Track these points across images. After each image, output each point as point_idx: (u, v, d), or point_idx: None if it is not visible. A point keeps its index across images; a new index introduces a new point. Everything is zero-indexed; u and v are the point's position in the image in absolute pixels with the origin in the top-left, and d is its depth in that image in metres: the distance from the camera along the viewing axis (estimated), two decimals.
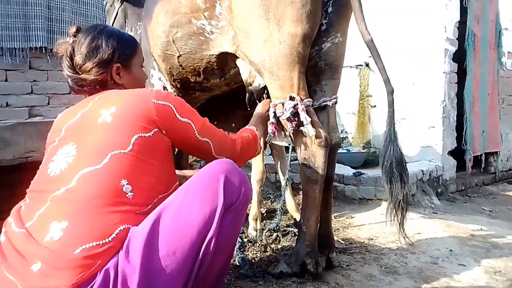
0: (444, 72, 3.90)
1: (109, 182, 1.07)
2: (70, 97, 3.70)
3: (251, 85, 1.93)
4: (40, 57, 3.65)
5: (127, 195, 1.08)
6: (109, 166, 1.08)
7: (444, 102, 3.91)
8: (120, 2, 2.52)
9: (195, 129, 1.26)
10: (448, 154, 4.01)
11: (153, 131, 1.16)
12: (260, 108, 1.78)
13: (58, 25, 3.61)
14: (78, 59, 1.28)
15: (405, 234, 1.68)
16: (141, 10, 2.50)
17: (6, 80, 3.50)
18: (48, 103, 3.69)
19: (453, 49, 3.98)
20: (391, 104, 1.68)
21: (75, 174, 1.07)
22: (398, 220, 1.65)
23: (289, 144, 2.39)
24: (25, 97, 3.59)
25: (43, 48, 3.61)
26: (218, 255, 1.12)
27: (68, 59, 1.29)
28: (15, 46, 3.48)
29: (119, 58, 1.31)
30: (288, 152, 2.26)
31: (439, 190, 3.82)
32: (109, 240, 1.01)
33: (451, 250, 2.23)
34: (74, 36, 1.31)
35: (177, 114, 1.21)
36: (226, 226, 1.11)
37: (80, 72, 1.28)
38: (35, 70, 3.64)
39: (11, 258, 1.02)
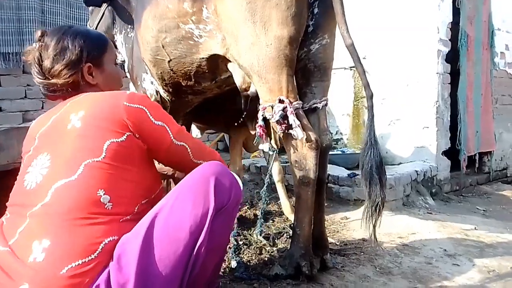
0: (437, 73, 3.92)
1: (85, 193, 1.04)
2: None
3: (245, 90, 1.94)
4: None
5: (105, 206, 1.05)
6: (84, 177, 1.05)
7: (438, 103, 3.92)
8: (107, 3, 2.49)
9: (170, 133, 1.21)
10: (442, 154, 4.02)
11: (125, 135, 1.12)
12: None
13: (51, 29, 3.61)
14: (46, 63, 1.23)
15: (375, 237, 1.69)
16: (131, 15, 2.49)
17: None
18: (42, 108, 3.66)
19: (446, 49, 4.00)
20: (370, 108, 1.70)
21: (50, 187, 1.04)
22: (373, 222, 1.67)
23: (273, 151, 2.39)
24: (19, 102, 3.58)
25: None
26: (209, 257, 1.12)
27: (36, 65, 1.25)
28: (9, 51, 3.46)
29: (88, 57, 1.26)
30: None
31: (433, 190, 3.83)
32: (95, 256, 0.99)
33: (445, 250, 2.25)
34: (40, 40, 1.26)
35: (150, 117, 1.17)
36: (217, 228, 1.11)
37: (50, 77, 1.24)
38: (28, 74, 3.61)
39: None
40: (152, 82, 2.32)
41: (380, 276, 1.89)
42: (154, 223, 1.05)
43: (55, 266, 0.96)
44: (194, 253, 1.06)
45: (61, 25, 1.53)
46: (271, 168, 1.90)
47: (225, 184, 1.13)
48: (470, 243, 2.38)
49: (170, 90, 2.19)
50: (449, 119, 4.10)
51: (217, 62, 1.93)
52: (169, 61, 2.02)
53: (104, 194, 1.05)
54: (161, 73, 2.12)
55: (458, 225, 2.75)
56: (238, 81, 1.91)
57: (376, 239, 1.70)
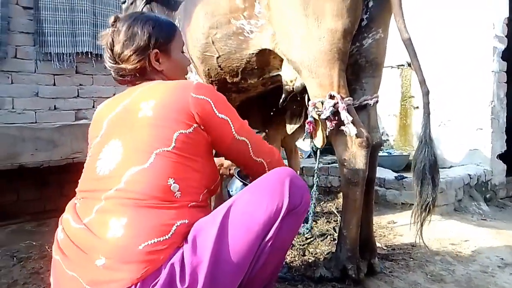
0: (492, 71, 3.71)
1: (157, 181, 1.07)
2: None
3: (287, 84, 1.90)
4: (86, 62, 3.80)
5: (175, 195, 1.08)
6: (155, 165, 1.08)
7: (493, 103, 3.71)
8: (145, 1, 2.53)
9: (232, 127, 1.21)
10: (497, 157, 3.80)
11: (193, 127, 1.14)
12: None
13: (103, 30, 3.75)
14: (117, 48, 1.27)
15: (422, 237, 1.65)
16: (171, 11, 2.52)
17: (54, 84, 3.67)
18: (93, 106, 3.82)
19: (502, 47, 3.77)
20: (426, 106, 1.63)
21: (123, 173, 1.08)
22: (421, 222, 1.63)
23: (316, 149, 2.34)
24: (72, 101, 3.75)
25: (89, 53, 3.75)
26: (272, 255, 1.12)
27: (108, 50, 1.29)
28: (63, 52, 3.64)
29: (156, 44, 1.28)
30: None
31: (487, 196, 3.62)
32: (168, 237, 1.03)
33: (502, 258, 2.11)
34: (113, 25, 1.30)
35: (214, 109, 1.17)
36: (285, 228, 1.11)
37: (120, 62, 1.27)
38: (81, 74, 3.79)
39: (71, 255, 1.04)
40: (196, 80, 2.35)
41: (431, 283, 1.80)
42: (229, 212, 1.08)
43: (133, 241, 1.00)
44: (261, 247, 1.08)
45: (133, 12, 1.55)
46: (317, 167, 1.86)
47: (299, 187, 1.14)
48: None
49: (215, 87, 2.20)
50: (505, 120, 3.87)
51: (268, 58, 1.92)
52: (217, 57, 2.03)
53: (174, 183, 1.08)
54: (208, 70, 2.13)
55: None
56: (287, 76, 1.88)
57: (422, 238, 1.64)
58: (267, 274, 1.17)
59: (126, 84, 1.33)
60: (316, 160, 2.59)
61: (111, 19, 1.31)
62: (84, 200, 1.14)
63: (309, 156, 4.57)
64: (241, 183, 1.53)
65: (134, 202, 1.05)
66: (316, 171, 2.22)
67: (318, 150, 2.29)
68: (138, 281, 0.97)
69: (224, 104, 1.22)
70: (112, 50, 1.28)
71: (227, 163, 1.58)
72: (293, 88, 1.91)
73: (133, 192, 1.06)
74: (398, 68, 4.28)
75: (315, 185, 2.21)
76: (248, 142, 1.26)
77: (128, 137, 1.14)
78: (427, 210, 1.61)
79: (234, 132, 1.22)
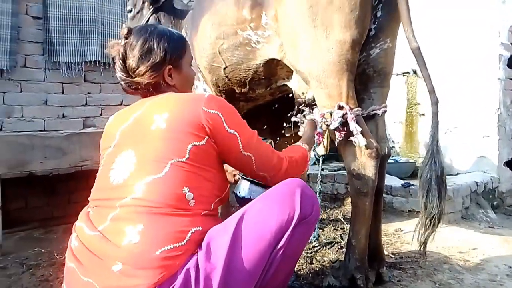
0: (498, 79, 3.71)
1: (172, 189, 1.10)
2: (121, 108, 3.86)
3: (300, 97, 1.91)
4: (94, 71, 3.84)
5: (189, 203, 1.11)
6: (170, 175, 1.10)
7: (499, 110, 3.71)
8: (152, 10, 2.55)
9: (240, 143, 1.23)
10: (504, 165, 3.79)
11: (205, 139, 1.16)
12: (308, 127, 1.74)
13: (111, 40, 3.79)
14: (132, 62, 1.27)
15: (425, 252, 1.63)
16: (178, 20, 2.54)
17: (62, 93, 3.70)
18: (101, 114, 3.87)
19: (507, 54, 3.78)
20: (435, 115, 1.61)
21: (138, 182, 1.10)
22: (426, 236, 1.60)
23: (319, 157, 2.35)
24: (80, 109, 3.79)
25: (97, 62, 3.80)
26: (283, 264, 1.14)
27: (121, 61, 1.29)
28: (71, 61, 3.68)
29: (170, 60, 1.30)
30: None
31: (494, 203, 3.60)
32: (184, 243, 1.05)
33: (510, 267, 2.10)
34: (126, 38, 1.30)
35: (225, 124, 1.19)
36: (296, 237, 1.13)
37: (133, 76, 1.28)
38: (89, 83, 3.83)
39: (86, 261, 1.06)
40: (204, 90, 2.36)
41: None
42: (242, 221, 1.10)
43: (150, 247, 1.02)
44: (272, 255, 1.11)
45: (146, 24, 1.55)
46: (320, 174, 1.87)
47: (309, 197, 1.17)
48: None
49: (223, 97, 2.22)
50: (511, 127, 3.86)
51: (275, 69, 1.93)
52: (224, 68, 2.05)
53: (188, 192, 1.11)
54: (216, 80, 2.15)
55: None
56: (295, 86, 1.88)
57: (425, 255, 1.62)
58: (278, 282, 1.19)
59: (135, 95, 1.34)
60: (319, 167, 2.60)
61: (124, 30, 1.31)
62: (98, 209, 1.16)
63: (314, 164, 4.58)
64: (249, 182, 1.53)
65: (149, 210, 1.07)
66: (319, 178, 2.24)
67: (321, 158, 2.30)
68: (155, 286, 0.99)
69: (235, 117, 1.24)
70: (124, 62, 1.29)
71: (230, 169, 1.59)
72: (305, 100, 1.92)
73: (149, 200, 1.08)
74: (404, 75, 4.29)
75: (317, 193, 2.22)
76: (253, 157, 1.27)
77: (141, 148, 1.16)
78: (432, 223, 1.57)
79: (240, 148, 1.24)
